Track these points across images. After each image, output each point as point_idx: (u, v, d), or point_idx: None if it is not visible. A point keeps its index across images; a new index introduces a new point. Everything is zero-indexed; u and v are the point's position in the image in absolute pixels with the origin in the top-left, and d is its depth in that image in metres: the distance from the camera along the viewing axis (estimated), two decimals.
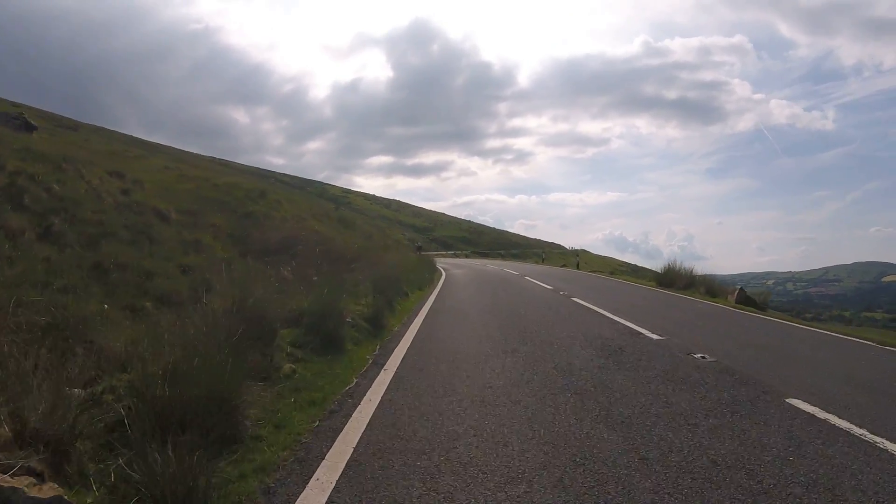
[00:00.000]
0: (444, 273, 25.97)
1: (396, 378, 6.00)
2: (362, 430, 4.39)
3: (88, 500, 3.14)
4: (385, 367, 6.44)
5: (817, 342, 9.61)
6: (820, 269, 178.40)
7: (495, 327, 9.48)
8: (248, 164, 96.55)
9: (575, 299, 14.05)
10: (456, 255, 62.42)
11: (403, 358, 7.01)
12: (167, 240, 14.51)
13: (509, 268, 33.07)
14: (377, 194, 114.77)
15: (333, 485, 3.50)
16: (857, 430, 4.58)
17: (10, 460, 3.05)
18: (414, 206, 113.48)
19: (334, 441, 4.18)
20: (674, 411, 5.03)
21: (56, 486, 3.03)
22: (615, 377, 6.18)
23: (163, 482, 3.12)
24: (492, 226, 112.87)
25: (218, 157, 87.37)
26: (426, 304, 13.13)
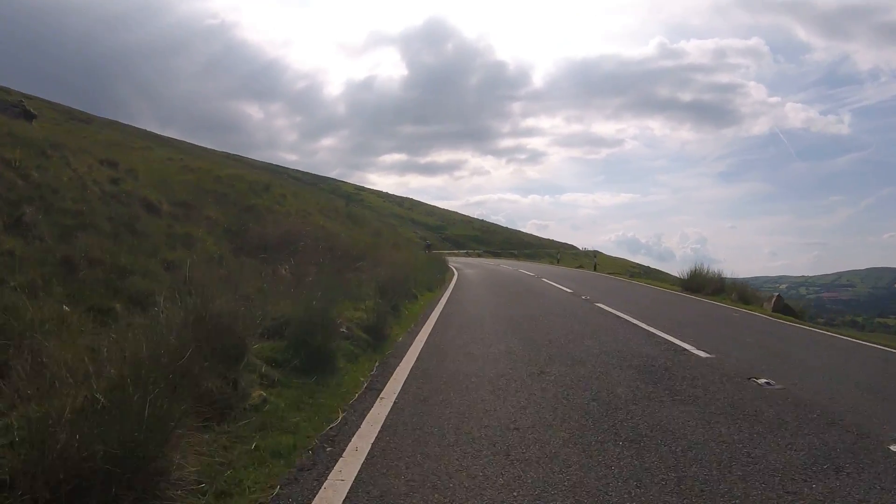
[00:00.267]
0: (456, 273, 24.70)
1: (395, 412, 4.72)
2: None
3: None
4: (382, 395, 5.17)
5: (883, 361, 8.23)
6: (833, 273, 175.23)
7: (515, 339, 8.19)
8: (260, 160, 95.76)
9: (599, 305, 12.74)
10: (468, 255, 61.23)
11: (406, 381, 5.74)
12: (154, 233, 13.35)
13: (523, 268, 31.74)
14: (390, 192, 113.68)
15: None
16: None
17: None
18: (427, 204, 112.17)
19: None
20: (762, 469, 3.72)
21: None
22: (671, 413, 4.88)
23: None
24: (504, 225, 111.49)
25: (231, 152, 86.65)
26: (436, 308, 11.86)
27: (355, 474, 3.44)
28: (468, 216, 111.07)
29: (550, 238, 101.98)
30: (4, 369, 4.31)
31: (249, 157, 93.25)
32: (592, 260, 37.54)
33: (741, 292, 16.02)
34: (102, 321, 6.60)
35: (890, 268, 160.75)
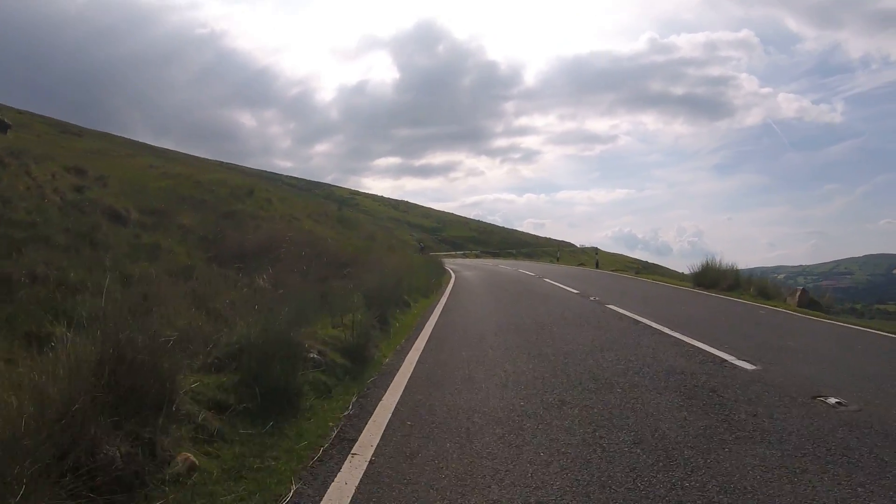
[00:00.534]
0: (453, 276, 23.43)
1: (369, 479, 3.41)
2: None
3: None
4: (354, 450, 3.86)
5: None
6: (831, 262, 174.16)
7: (524, 356, 6.91)
8: (255, 168, 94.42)
9: (611, 307, 11.49)
10: (465, 256, 60.07)
11: (388, 425, 4.44)
12: (116, 244, 12.10)
13: (523, 268, 30.45)
14: (385, 195, 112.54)
15: None
16: None
17: None
18: (422, 206, 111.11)
19: None
20: None
21: None
22: (742, 460, 3.64)
23: None
24: (501, 225, 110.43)
25: (226, 161, 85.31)
26: (431, 318, 10.59)
27: None
28: (465, 217, 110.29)
29: (547, 236, 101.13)
30: None
31: (244, 164, 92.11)
32: (594, 257, 36.24)
33: (760, 287, 14.77)
34: (39, 349, 5.38)
35: (887, 254, 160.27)
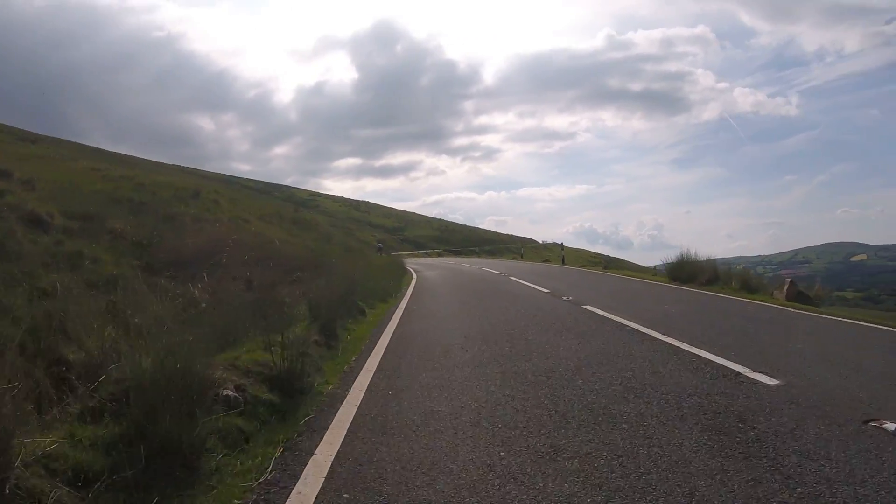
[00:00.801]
0: (414, 276, 22.15)
1: None
2: None
3: None
4: None
5: None
6: (789, 251, 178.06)
7: (497, 377, 5.65)
8: (214, 171, 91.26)
9: (588, 308, 10.37)
10: (428, 255, 58.87)
11: (320, 495, 3.17)
12: (30, 253, 10.49)
13: (487, 266, 29.32)
14: (346, 196, 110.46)
15: None
16: None
17: None
18: (384, 206, 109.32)
19: None
20: None
21: None
22: None
23: None
24: (463, 223, 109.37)
25: (185, 165, 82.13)
26: (388, 327, 9.29)
27: None
28: (427, 216, 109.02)
29: (510, 233, 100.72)
30: None
31: (203, 169, 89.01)
32: (559, 253, 35.31)
33: (744, 280, 13.86)
34: None
35: (844, 242, 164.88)
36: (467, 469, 3.44)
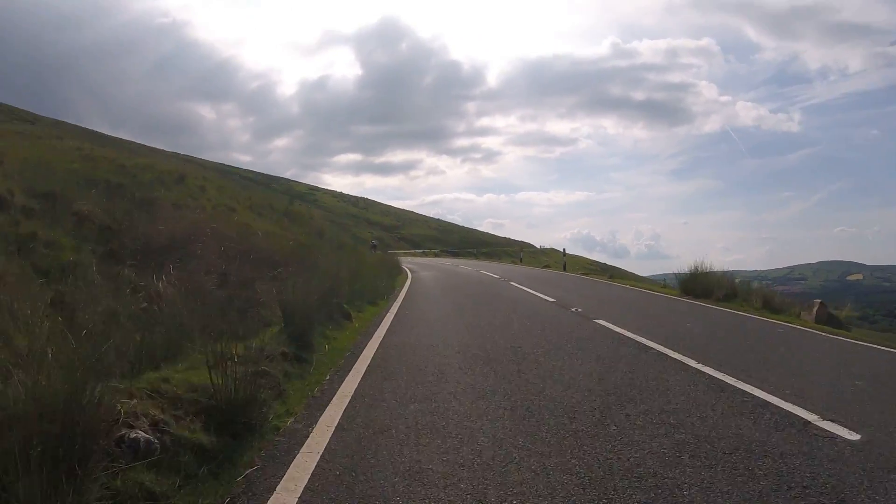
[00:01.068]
0: (409, 276, 20.97)
1: None
2: None
3: None
4: None
5: None
6: (785, 267, 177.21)
7: (507, 415, 4.44)
8: (213, 161, 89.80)
9: (601, 322, 9.21)
10: (425, 254, 57.77)
11: None
12: None
13: (485, 269, 28.13)
14: (345, 192, 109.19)
15: None
16: None
17: None
18: (382, 204, 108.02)
19: None
20: None
21: None
22: None
23: None
24: (461, 224, 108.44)
25: (183, 153, 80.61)
26: (375, 336, 8.10)
27: None
28: (424, 216, 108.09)
29: (507, 236, 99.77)
30: None
31: (202, 157, 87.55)
32: (561, 258, 34.08)
33: (767, 299, 12.66)
34: None
35: (841, 261, 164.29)
36: None
